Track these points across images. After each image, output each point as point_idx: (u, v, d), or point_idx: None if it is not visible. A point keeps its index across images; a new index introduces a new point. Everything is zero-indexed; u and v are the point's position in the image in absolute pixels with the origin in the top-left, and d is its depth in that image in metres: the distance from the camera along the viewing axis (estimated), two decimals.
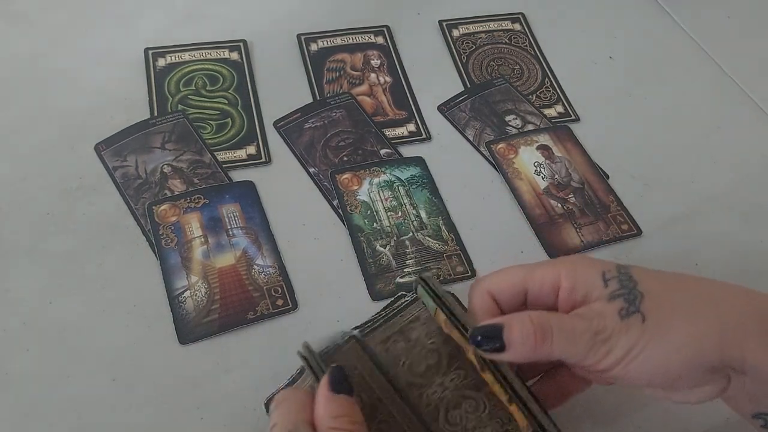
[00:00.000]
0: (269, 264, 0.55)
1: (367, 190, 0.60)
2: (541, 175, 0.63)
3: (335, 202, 0.59)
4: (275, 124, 0.64)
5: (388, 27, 0.74)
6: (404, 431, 0.39)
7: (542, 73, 0.72)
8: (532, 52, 0.74)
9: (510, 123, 0.67)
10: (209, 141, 0.62)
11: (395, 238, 0.58)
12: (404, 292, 0.45)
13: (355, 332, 0.43)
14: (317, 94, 0.67)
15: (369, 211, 0.59)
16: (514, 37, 0.75)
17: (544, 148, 0.65)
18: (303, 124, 0.64)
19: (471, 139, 0.65)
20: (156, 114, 0.63)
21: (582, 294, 0.38)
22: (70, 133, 0.61)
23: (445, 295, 0.42)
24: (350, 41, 0.72)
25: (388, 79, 0.70)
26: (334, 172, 0.61)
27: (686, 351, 0.35)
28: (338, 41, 0.72)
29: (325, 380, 0.37)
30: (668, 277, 0.39)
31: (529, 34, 0.76)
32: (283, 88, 0.67)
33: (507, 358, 0.38)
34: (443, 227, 0.59)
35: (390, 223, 0.58)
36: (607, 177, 0.64)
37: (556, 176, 0.63)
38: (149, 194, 0.58)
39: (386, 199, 0.60)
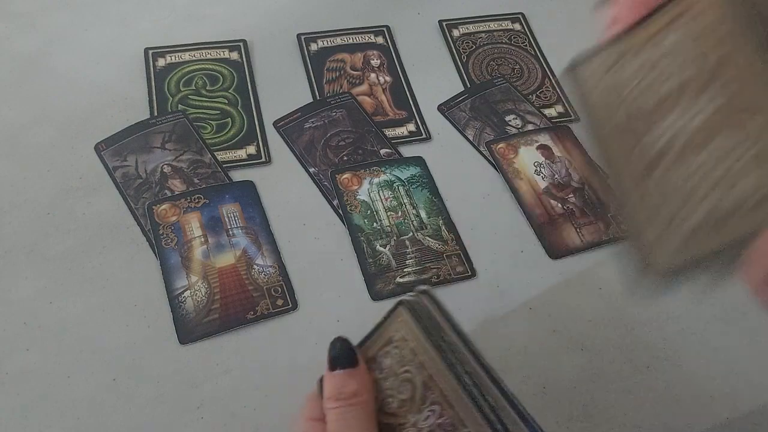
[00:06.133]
0: (269, 264, 0.55)
1: (367, 189, 0.60)
2: (541, 175, 0.63)
3: (335, 202, 0.59)
4: (275, 124, 0.64)
5: (388, 27, 0.74)
6: (459, 416, 0.33)
7: (542, 73, 0.72)
8: (532, 52, 0.74)
9: (510, 123, 0.67)
10: (209, 141, 0.62)
11: (395, 237, 0.58)
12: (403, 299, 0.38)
13: (420, 291, 0.37)
14: (317, 93, 0.67)
15: (369, 211, 0.59)
16: (514, 37, 0.75)
17: (544, 148, 0.65)
18: (303, 124, 0.64)
19: (471, 139, 0.65)
20: (156, 114, 0.63)
21: None
22: (70, 133, 0.61)
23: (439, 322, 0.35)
24: (350, 41, 0.72)
25: (388, 78, 0.70)
26: (334, 172, 0.61)
27: None
28: (338, 41, 0.72)
29: (327, 359, 0.36)
30: None
31: (529, 34, 0.76)
32: (283, 88, 0.67)
33: None
34: (443, 227, 0.59)
35: (390, 222, 0.58)
36: (608, 177, 0.64)
37: (556, 176, 0.63)
38: (149, 194, 0.58)
39: (386, 199, 0.60)
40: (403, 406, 0.35)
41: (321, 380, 0.37)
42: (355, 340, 0.37)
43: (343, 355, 0.35)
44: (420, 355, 0.35)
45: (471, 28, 0.75)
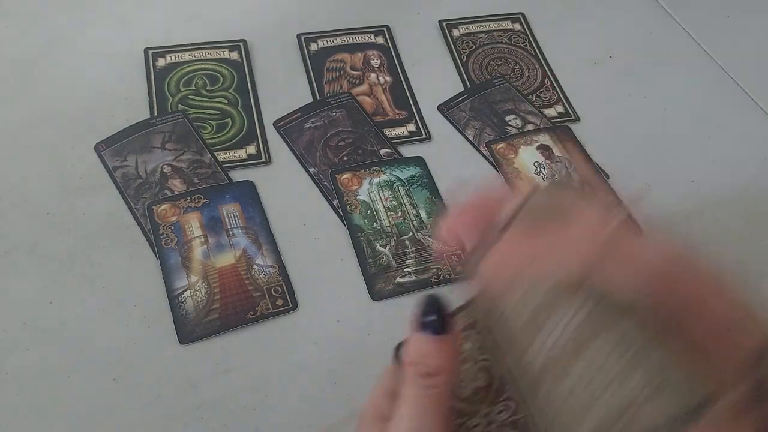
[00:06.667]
0: (269, 264, 0.55)
1: (367, 189, 0.60)
2: (541, 175, 0.63)
3: (335, 202, 0.59)
4: (275, 124, 0.64)
5: (388, 27, 0.74)
6: (535, 420, 0.31)
7: (542, 73, 0.72)
8: (532, 52, 0.74)
9: (510, 123, 0.67)
10: (209, 141, 0.62)
11: (395, 238, 0.58)
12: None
13: None
14: (317, 94, 0.67)
15: (369, 211, 0.59)
16: (514, 37, 0.75)
17: (544, 148, 0.65)
18: (303, 124, 0.64)
19: (471, 139, 0.65)
20: (156, 114, 0.63)
21: None
22: (70, 133, 0.61)
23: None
24: (350, 41, 0.72)
25: (388, 78, 0.70)
26: (334, 172, 0.61)
27: None
28: (338, 41, 0.72)
29: (415, 314, 0.30)
30: None
31: (529, 34, 0.76)
32: (283, 88, 0.67)
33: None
34: None
35: (390, 222, 0.58)
36: (607, 177, 0.64)
37: (556, 176, 0.63)
38: (149, 194, 0.58)
39: (386, 199, 0.60)
40: (477, 394, 0.33)
41: (398, 349, 0.32)
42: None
43: (437, 316, 0.29)
44: (503, 347, 0.32)
45: (471, 28, 0.75)
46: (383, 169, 0.62)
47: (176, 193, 0.58)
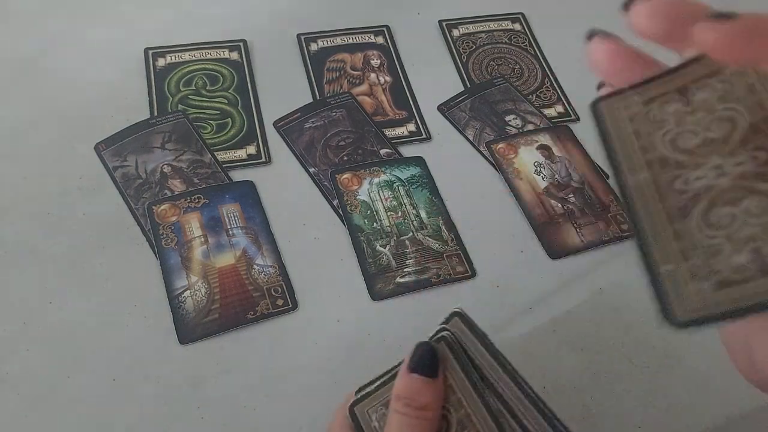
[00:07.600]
0: (269, 264, 0.55)
1: (367, 189, 0.60)
2: (541, 175, 0.63)
3: (335, 202, 0.59)
4: (275, 124, 0.64)
5: (388, 27, 0.74)
6: None
7: (542, 73, 0.72)
8: (532, 52, 0.74)
9: (510, 123, 0.67)
10: (209, 141, 0.62)
11: (395, 238, 0.58)
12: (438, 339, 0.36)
13: (454, 313, 0.36)
14: (317, 93, 0.67)
15: (369, 211, 0.59)
16: (514, 37, 0.75)
17: (544, 148, 0.65)
18: (303, 124, 0.64)
19: (471, 139, 0.65)
20: (156, 114, 0.63)
21: None
22: (70, 133, 0.61)
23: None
24: (350, 41, 0.72)
25: (388, 78, 0.70)
26: (334, 172, 0.61)
27: None
28: (338, 41, 0.72)
29: (407, 356, 0.34)
30: None
31: (529, 34, 0.76)
32: (283, 88, 0.67)
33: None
34: (443, 227, 0.59)
35: (390, 223, 0.58)
36: (607, 177, 0.64)
37: (556, 176, 0.63)
38: (149, 194, 0.58)
39: (386, 199, 0.60)
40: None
41: (352, 407, 0.36)
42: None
43: (428, 361, 0.33)
44: (458, 392, 0.35)
45: (471, 28, 0.75)
46: (383, 169, 0.62)
47: (176, 193, 0.58)
